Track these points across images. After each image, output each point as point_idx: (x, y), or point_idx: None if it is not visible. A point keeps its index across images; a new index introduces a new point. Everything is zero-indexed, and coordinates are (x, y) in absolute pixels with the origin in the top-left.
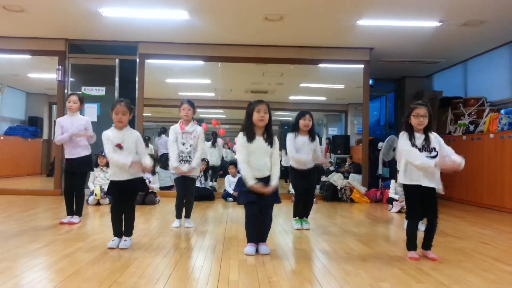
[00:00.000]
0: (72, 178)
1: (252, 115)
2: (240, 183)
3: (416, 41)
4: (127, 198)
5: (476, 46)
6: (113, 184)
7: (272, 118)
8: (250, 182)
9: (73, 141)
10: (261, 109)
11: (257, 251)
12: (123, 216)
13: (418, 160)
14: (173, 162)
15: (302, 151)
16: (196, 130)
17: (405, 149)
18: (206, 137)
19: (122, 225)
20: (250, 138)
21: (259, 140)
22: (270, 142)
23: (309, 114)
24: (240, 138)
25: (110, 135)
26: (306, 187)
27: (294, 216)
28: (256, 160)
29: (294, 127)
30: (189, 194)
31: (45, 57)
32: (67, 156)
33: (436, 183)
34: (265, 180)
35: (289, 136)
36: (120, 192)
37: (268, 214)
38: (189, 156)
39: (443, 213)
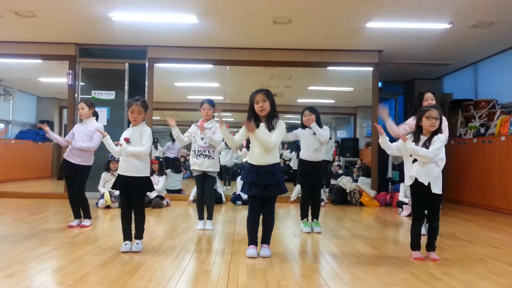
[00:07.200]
0: (71, 183)
1: (253, 107)
2: (245, 172)
3: (425, 43)
4: (133, 197)
5: (487, 48)
6: (118, 178)
7: (281, 121)
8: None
9: (74, 149)
10: (259, 100)
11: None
12: (132, 219)
13: (393, 148)
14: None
15: (306, 143)
16: (215, 126)
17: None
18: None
19: (132, 228)
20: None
21: (261, 127)
22: (269, 128)
23: (308, 110)
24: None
25: (124, 134)
26: (312, 185)
27: (302, 218)
28: (257, 147)
29: (301, 125)
30: (208, 195)
31: (55, 61)
32: (64, 155)
33: (432, 182)
34: (268, 168)
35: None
36: (125, 188)
37: (270, 209)
38: (208, 151)
39: (454, 216)
